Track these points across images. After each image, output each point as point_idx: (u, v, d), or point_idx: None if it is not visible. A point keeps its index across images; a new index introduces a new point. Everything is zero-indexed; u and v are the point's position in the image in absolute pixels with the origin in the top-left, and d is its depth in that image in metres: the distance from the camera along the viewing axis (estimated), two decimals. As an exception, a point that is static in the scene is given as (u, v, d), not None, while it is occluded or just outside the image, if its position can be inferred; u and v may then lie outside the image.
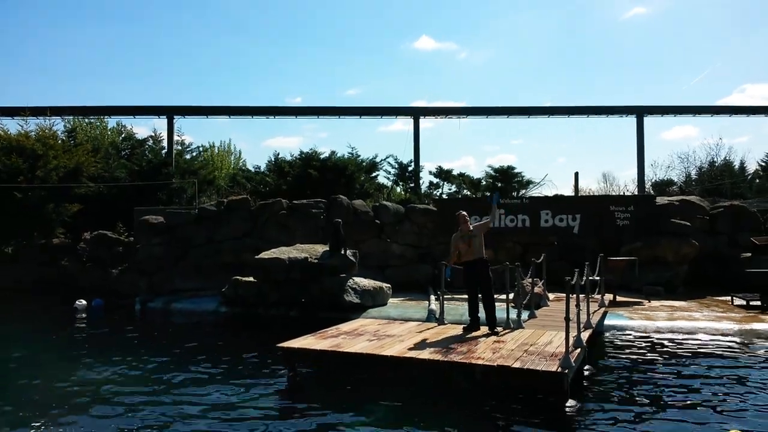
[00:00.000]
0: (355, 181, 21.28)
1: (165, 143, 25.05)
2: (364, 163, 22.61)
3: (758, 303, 11.90)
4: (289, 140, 61.85)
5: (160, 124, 28.91)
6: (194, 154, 26.01)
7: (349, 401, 6.45)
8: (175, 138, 25.66)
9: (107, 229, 17.15)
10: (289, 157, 22.86)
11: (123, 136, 26.85)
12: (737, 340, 9.54)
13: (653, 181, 29.82)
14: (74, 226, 18.13)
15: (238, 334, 11.29)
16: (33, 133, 19.08)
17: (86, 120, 29.25)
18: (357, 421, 5.72)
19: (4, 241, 17.23)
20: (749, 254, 14.69)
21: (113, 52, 68.07)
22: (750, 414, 5.91)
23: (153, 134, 25.27)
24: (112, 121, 29.83)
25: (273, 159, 23.50)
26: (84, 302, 14.57)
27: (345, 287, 12.28)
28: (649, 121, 26.42)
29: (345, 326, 9.01)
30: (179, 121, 26.01)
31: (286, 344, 7.57)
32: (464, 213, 8.84)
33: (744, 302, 12.13)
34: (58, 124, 22.17)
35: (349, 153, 22.63)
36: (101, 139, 26.38)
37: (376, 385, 7.01)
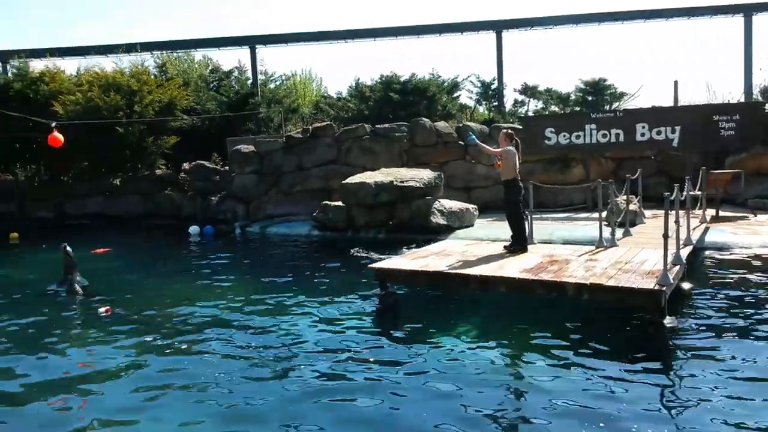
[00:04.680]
0: (436, 102, 20.90)
1: (249, 74, 25.50)
2: (445, 84, 22.09)
3: None
4: (369, 64, 60.88)
5: (243, 55, 29.20)
6: (278, 83, 26.36)
7: (439, 318, 6.65)
8: (258, 68, 26.03)
9: (203, 160, 18.03)
10: (369, 82, 22.72)
11: (210, 68, 27.48)
12: None
13: (762, 87, 27.24)
14: (173, 158, 19.16)
15: (332, 256, 11.74)
16: (126, 69, 19.94)
17: (174, 54, 30.09)
18: (447, 336, 5.92)
19: (111, 174, 18.52)
20: None
21: (193, -15, 68.58)
22: None
23: (238, 65, 25.78)
24: (197, 54, 30.56)
25: (354, 84, 23.44)
26: (198, 228, 15.43)
27: (432, 209, 12.40)
28: (758, 20, 23.81)
29: (433, 247, 9.16)
30: (261, 51, 26.27)
31: (378, 265, 7.83)
32: (506, 131, 8.71)
33: None
34: (148, 60, 23.00)
35: (429, 74, 22.16)
36: (190, 73, 27.12)
37: (464, 304, 7.18)
